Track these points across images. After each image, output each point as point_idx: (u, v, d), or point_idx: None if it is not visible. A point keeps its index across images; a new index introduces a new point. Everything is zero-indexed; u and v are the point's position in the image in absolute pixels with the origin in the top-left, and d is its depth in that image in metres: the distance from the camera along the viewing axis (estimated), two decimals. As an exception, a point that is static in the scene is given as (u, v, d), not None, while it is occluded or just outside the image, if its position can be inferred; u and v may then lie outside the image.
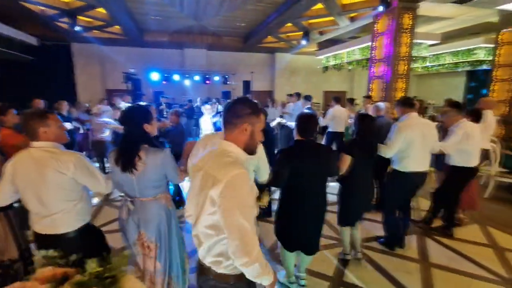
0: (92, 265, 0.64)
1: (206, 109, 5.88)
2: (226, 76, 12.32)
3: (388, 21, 6.55)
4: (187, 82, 11.98)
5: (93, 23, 8.49)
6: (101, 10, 7.15)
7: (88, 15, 7.64)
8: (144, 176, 1.70)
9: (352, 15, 7.79)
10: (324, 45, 11.63)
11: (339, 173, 2.42)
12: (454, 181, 3.16)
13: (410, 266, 2.74)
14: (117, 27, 8.71)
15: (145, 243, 1.78)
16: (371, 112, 4.80)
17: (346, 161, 2.41)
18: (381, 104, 4.26)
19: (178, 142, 3.74)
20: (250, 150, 1.23)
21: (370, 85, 7.39)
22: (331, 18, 7.88)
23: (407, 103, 2.82)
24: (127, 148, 1.70)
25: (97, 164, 5.10)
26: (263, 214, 3.53)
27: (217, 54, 12.93)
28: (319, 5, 6.89)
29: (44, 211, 1.61)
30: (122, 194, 1.82)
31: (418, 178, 2.79)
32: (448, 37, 10.37)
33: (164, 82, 11.52)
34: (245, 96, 6.31)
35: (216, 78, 12.15)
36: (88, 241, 1.73)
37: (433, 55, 11.33)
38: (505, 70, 7.06)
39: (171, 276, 1.85)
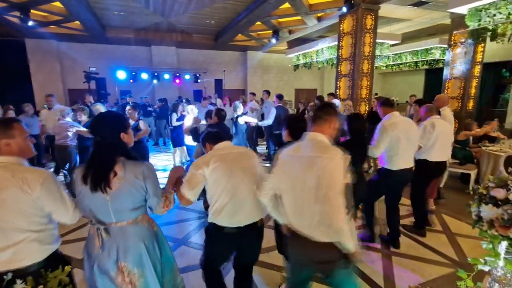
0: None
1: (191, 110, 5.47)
2: (197, 75, 12.11)
3: (352, 21, 6.82)
4: (155, 81, 11.59)
5: (49, 18, 7.89)
6: (57, 4, 6.67)
7: (43, 9, 7.08)
8: (120, 195, 1.40)
9: (319, 15, 8.01)
10: (294, 44, 11.85)
11: None
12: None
13: (373, 256, 2.89)
14: (77, 22, 8.18)
15: (126, 277, 1.44)
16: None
17: None
18: (337, 101, 4.43)
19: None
20: (333, 139, 1.59)
21: (338, 83, 7.65)
22: (299, 17, 8.04)
23: (388, 104, 2.89)
24: (100, 162, 1.39)
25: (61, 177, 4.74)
26: None
27: (187, 52, 12.66)
28: (287, 5, 6.99)
29: (2, 241, 1.30)
30: (91, 221, 1.47)
31: (406, 175, 2.86)
32: (407, 38, 11.05)
33: (131, 81, 11.07)
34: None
35: (187, 77, 11.89)
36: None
37: (395, 54, 12.01)
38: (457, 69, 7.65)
39: None
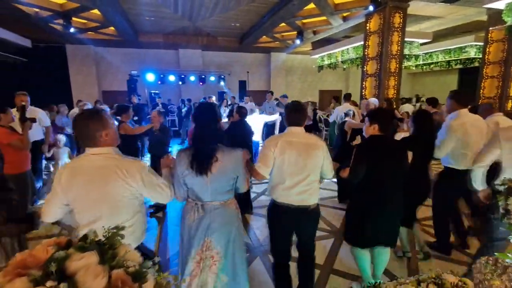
0: (92, 235, 0.71)
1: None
2: (222, 76, 12.38)
3: (379, 20, 6.67)
4: (182, 83, 12.00)
5: (88, 25, 8.50)
6: (96, 11, 7.18)
7: (83, 17, 7.65)
8: (219, 178, 1.59)
9: (344, 14, 7.90)
10: (319, 45, 11.75)
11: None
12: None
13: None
14: (112, 28, 8.73)
15: (209, 252, 1.60)
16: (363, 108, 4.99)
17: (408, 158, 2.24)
18: (374, 100, 4.36)
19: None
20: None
21: (364, 83, 7.50)
22: (324, 17, 7.98)
23: (459, 99, 2.64)
24: (204, 149, 1.57)
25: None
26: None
27: (213, 54, 12.99)
28: (312, 5, 6.98)
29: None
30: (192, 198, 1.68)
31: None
32: (439, 36, 10.55)
33: (159, 83, 11.55)
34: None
35: (212, 78, 12.21)
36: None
37: (426, 53, 11.50)
38: (494, 68, 7.20)
39: None
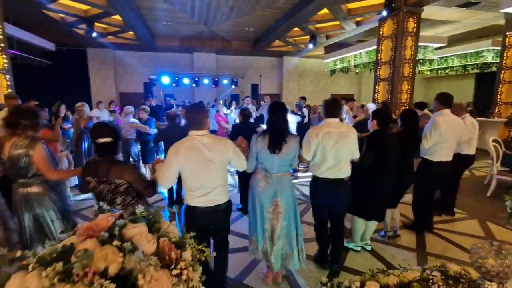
0: (140, 210, 0.85)
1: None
2: (235, 80, 12.61)
3: (392, 25, 6.69)
4: (195, 85, 12.28)
5: (109, 29, 8.88)
6: (117, 17, 7.52)
7: (104, 22, 8.02)
8: (284, 156, 2.17)
9: (357, 19, 7.95)
10: (331, 49, 11.80)
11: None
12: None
13: (407, 254, 2.88)
14: (131, 32, 9.09)
15: (278, 208, 2.23)
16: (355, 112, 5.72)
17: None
18: (372, 105, 4.56)
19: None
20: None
21: (376, 87, 7.51)
22: (337, 22, 8.06)
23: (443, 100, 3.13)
24: (278, 135, 2.15)
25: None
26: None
27: (226, 58, 13.24)
28: (325, 10, 7.08)
29: (207, 187, 1.88)
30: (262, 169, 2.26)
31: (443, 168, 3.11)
32: (455, 40, 10.41)
33: (174, 85, 11.87)
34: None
35: (225, 81, 12.44)
36: (231, 209, 2.12)
37: (441, 58, 11.36)
38: (512, 72, 7.08)
39: (295, 235, 2.30)
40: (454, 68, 11.59)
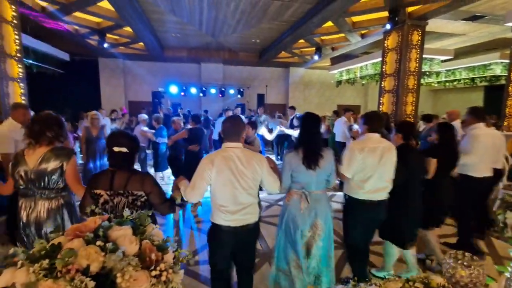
0: (126, 214, 0.90)
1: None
2: (241, 90, 12.80)
3: (397, 38, 6.75)
4: (202, 95, 12.51)
5: (119, 40, 9.21)
6: (128, 28, 7.80)
7: (116, 33, 8.33)
8: (322, 171, 2.02)
9: (362, 32, 8.05)
10: (337, 60, 11.90)
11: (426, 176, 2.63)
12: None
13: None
14: (141, 43, 9.39)
15: (317, 230, 2.06)
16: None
17: (433, 165, 2.60)
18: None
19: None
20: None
21: (381, 99, 7.52)
22: (342, 34, 8.17)
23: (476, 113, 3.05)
24: (315, 149, 2.01)
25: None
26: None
27: (233, 68, 13.48)
28: (330, 23, 7.20)
29: (235, 204, 1.79)
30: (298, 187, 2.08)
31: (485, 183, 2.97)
32: (462, 53, 10.39)
33: (182, 94, 12.12)
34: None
35: (231, 91, 12.64)
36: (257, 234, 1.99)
37: (448, 70, 11.31)
38: (520, 86, 7.00)
39: (330, 256, 2.16)
40: (462, 81, 11.51)
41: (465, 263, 0.80)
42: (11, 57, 5.19)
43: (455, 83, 12.00)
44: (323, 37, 8.87)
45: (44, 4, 6.04)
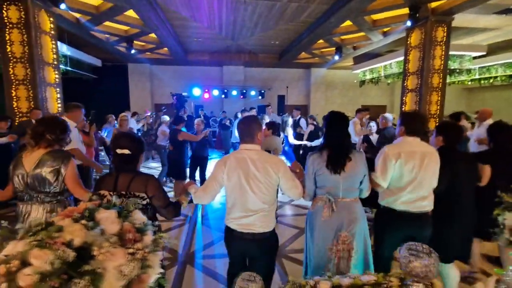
0: (114, 200, 1.04)
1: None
2: (262, 91, 12.93)
3: (420, 35, 6.48)
4: (224, 97, 12.80)
5: (146, 46, 9.75)
6: (152, 35, 8.25)
7: (142, 40, 8.84)
8: (351, 176, 1.80)
9: (384, 30, 7.81)
10: (360, 59, 11.62)
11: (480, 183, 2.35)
12: None
13: None
14: (165, 48, 9.86)
15: (345, 244, 1.78)
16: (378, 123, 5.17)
17: (487, 172, 2.34)
18: (389, 116, 4.38)
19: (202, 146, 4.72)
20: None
21: (404, 98, 7.25)
22: (362, 33, 7.99)
23: None
24: (340, 150, 1.80)
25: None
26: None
27: (254, 70, 13.65)
28: (349, 22, 7.09)
29: (245, 209, 1.70)
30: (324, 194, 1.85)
31: None
32: (496, 48, 9.67)
33: (207, 97, 12.48)
34: None
35: (252, 93, 12.82)
36: (276, 244, 1.82)
37: (482, 67, 10.58)
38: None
39: None
40: (498, 78, 10.70)
41: (420, 255, 0.82)
42: (49, 65, 5.74)
43: (491, 80, 11.18)
44: (343, 37, 8.73)
45: (78, 15, 6.59)
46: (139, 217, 1.06)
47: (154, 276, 0.98)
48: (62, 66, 8.63)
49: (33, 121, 4.72)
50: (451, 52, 8.68)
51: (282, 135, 6.96)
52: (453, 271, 2.16)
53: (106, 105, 11.61)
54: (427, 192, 1.94)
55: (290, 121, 8.04)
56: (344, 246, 1.76)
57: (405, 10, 6.23)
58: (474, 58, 9.54)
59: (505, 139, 2.43)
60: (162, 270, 1.03)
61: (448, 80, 11.85)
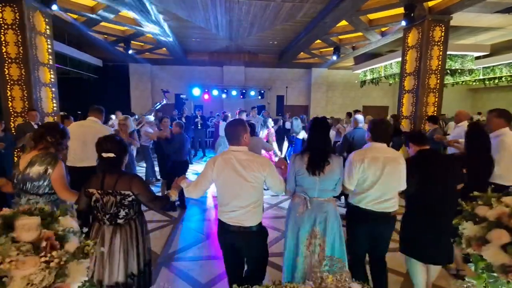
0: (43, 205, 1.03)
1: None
2: (262, 91, 12.89)
3: (417, 34, 6.36)
4: (224, 96, 12.79)
5: (144, 46, 9.81)
6: (150, 35, 8.29)
7: (139, 40, 8.89)
8: (327, 179, 1.94)
9: (382, 29, 7.70)
10: (361, 59, 11.49)
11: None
12: None
13: None
14: (164, 49, 9.90)
15: (316, 239, 1.95)
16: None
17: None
18: (359, 117, 4.39)
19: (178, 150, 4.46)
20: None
21: (401, 100, 7.12)
22: (360, 33, 7.89)
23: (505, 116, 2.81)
24: (320, 154, 1.94)
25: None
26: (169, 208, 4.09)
27: (254, 70, 13.61)
28: (345, 22, 7.01)
29: (235, 205, 1.84)
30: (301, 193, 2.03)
31: None
32: (501, 48, 9.45)
33: (206, 98, 12.50)
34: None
35: (252, 93, 12.79)
36: (264, 236, 1.97)
37: (486, 67, 10.35)
38: None
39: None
40: (504, 79, 10.45)
41: (334, 269, 0.79)
42: (44, 65, 5.81)
43: (496, 81, 10.93)
44: (340, 37, 8.63)
45: (74, 16, 6.66)
46: (67, 223, 1.05)
47: (76, 285, 0.97)
48: (62, 66, 8.76)
49: (32, 123, 4.78)
50: (452, 52, 8.54)
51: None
52: (423, 271, 2.25)
53: (107, 106, 11.76)
54: (390, 194, 2.06)
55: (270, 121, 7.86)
56: (315, 241, 1.93)
57: (402, 10, 6.12)
58: (477, 58, 9.34)
59: (481, 144, 2.50)
60: (86, 278, 1.01)
61: (451, 81, 11.68)
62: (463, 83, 12.17)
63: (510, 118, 2.76)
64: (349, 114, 8.25)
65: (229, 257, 2.00)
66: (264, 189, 2.01)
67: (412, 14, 5.66)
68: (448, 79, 12.39)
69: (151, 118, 6.46)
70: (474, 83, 12.08)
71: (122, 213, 1.82)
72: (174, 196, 1.99)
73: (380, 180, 2.01)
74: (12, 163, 4.48)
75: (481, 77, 10.89)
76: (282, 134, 7.07)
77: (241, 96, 12.74)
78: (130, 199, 1.81)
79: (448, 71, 9.15)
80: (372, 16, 6.91)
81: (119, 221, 1.82)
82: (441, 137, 4.58)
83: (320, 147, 1.97)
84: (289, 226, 2.05)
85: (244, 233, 1.86)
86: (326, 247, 1.93)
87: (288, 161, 2.12)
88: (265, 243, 2.01)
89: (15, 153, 5.17)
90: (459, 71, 9.09)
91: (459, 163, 2.35)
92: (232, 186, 1.83)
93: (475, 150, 2.53)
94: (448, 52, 8.49)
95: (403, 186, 2.10)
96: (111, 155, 1.80)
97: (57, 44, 8.10)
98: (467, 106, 15.13)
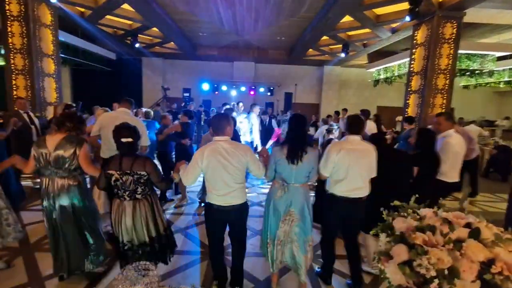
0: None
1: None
2: (271, 88, 12.71)
3: (426, 31, 5.95)
4: (233, 92, 12.76)
5: (153, 40, 9.96)
6: (156, 29, 8.40)
7: (147, 34, 9.03)
8: (303, 168, 2.22)
9: (393, 25, 7.29)
10: (375, 58, 11.01)
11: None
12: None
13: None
14: (172, 43, 10.00)
15: (292, 218, 2.30)
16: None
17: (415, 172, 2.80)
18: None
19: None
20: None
21: (407, 100, 6.73)
22: (368, 30, 7.52)
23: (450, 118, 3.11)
24: (298, 146, 2.21)
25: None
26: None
27: (265, 66, 13.43)
28: (349, 17, 6.71)
29: (225, 188, 2.12)
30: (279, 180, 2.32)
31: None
32: (528, 47, 8.64)
33: (216, 93, 12.54)
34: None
35: (261, 90, 12.65)
36: (248, 210, 2.32)
37: (510, 69, 9.53)
38: None
39: (305, 240, 2.36)
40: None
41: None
42: (48, 56, 6.05)
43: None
44: (349, 33, 8.30)
45: (81, 10, 6.87)
46: None
47: None
48: (74, 58, 9.09)
49: (21, 111, 4.85)
50: (471, 51, 7.94)
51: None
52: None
53: (119, 98, 12.11)
54: (362, 183, 2.33)
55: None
56: (289, 217, 2.28)
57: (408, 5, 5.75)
58: (502, 58, 8.63)
59: (428, 144, 2.83)
60: None
61: (473, 82, 10.91)
62: (487, 85, 11.33)
63: (454, 120, 3.15)
64: (337, 113, 7.98)
65: (217, 231, 2.30)
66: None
67: (417, 9, 5.28)
68: (470, 81, 11.59)
69: (144, 109, 6.48)
70: (500, 85, 11.19)
71: (140, 189, 2.15)
72: (177, 178, 2.29)
73: (352, 169, 2.28)
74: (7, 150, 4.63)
75: (506, 79, 10.07)
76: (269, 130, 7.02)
77: (251, 92, 12.63)
78: (145, 178, 2.14)
79: (467, 72, 8.54)
80: (378, 11, 6.56)
81: (138, 196, 2.16)
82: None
83: (298, 139, 2.23)
84: (270, 208, 2.35)
85: (236, 210, 2.18)
86: (297, 221, 2.29)
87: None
88: (247, 216, 2.34)
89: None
90: (477, 72, 8.43)
91: (408, 162, 2.69)
92: (222, 170, 2.08)
93: (425, 150, 2.85)
94: (466, 51, 7.93)
95: (373, 174, 2.38)
96: (130, 139, 2.11)
97: (71, 37, 8.44)
98: (492, 109, 14.08)
